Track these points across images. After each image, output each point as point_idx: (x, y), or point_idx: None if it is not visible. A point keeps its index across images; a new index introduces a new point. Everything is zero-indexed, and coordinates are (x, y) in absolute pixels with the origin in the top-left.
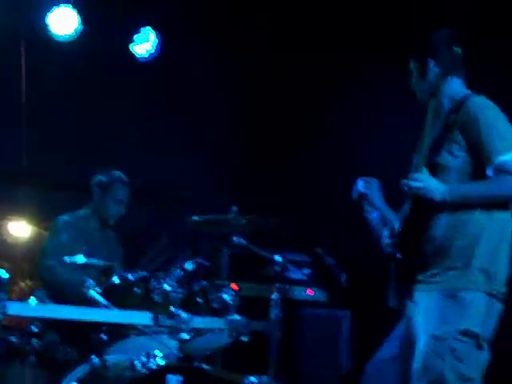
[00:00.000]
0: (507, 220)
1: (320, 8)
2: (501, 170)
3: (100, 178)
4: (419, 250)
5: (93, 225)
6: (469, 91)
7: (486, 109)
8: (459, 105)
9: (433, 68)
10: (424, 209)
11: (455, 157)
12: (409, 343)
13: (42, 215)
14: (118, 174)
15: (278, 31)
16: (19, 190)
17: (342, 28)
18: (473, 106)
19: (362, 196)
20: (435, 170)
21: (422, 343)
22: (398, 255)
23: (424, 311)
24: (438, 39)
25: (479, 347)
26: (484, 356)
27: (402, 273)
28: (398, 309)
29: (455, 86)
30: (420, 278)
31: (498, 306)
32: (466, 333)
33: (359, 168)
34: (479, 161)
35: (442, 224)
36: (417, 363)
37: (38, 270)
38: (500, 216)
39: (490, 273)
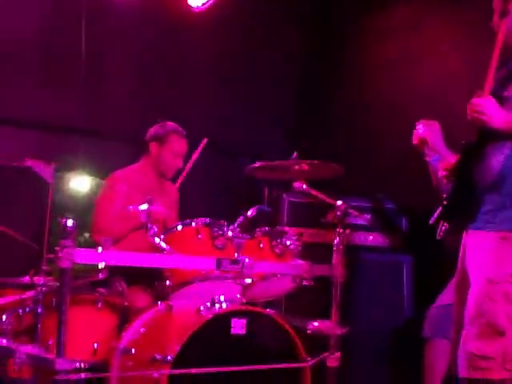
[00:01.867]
0: None
1: None
2: None
3: (155, 130)
4: (475, 183)
5: (150, 178)
6: None
7: None
8: None
9: None
10: (484, 139)
11: None
12: (463, 286)
13: (104, 168)
14: (173, 125)
15: None
16: (81, 143)
17: None
18: None
19: (423, 140)
20: (502, 102)
21: (475, 286)
22: (453, 187)
23: (477, 253)
24: None
25: None
26: None
27: (455, 206)
28: (448, 244)
29: None
30: (474, 214)
31: None
32: None
33: (419, 112)
34: None
35: (499, 157)
36: (469, 307)
37: (93, 229)
38: None
39: None
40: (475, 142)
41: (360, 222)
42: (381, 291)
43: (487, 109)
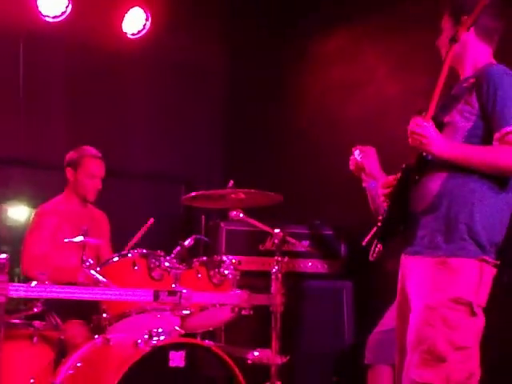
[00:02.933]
0: (503, 195)
1: None
2: (503, 140)
3: (70, 156)
4: (411, 206)
5: (76, 206)
6: (493, 61)
7: (507, 79)
8: (481, 71)
9: (465, 23)
10: (422, 162)
11: (466, 119)
12: (403, 312)
13: (41, 198)
14: (86, 148)
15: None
16: (17, 174)
17: None
18: (496, 73)
19: (359, 166)
20: (442, 128)
21: (415, 313)
22: (389, 207)
23: (415, 278)
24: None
25: (473, 315)
26: (478, 323)
27: (390, 229)
28: (388, 267)
29: (482, 53)
30: (410, 238)
31: (491, 272)
32: (457, 300)
33: (356, 138)
34: (490, 128)
35: (436, 181)
36: (410, 334)
37: (22, 265)
38: (497, 189)
39: (482, 241)
40: (414, 165)
41: (299, 248)
42: (322, 318)
43: (427, 133)
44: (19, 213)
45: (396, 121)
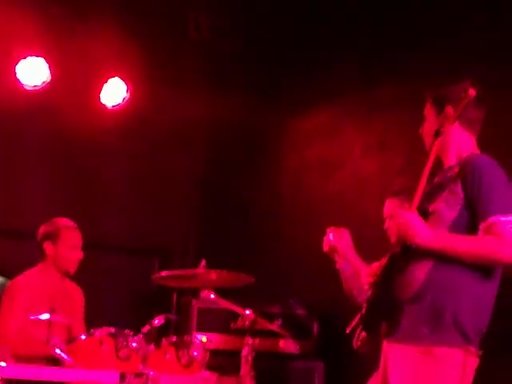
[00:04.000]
0: (488, 284)
1: None
2: (489, 231)
3: (45, 229)
4: (396, 294)
5: (52, 280)
6: (478, 151)
7: (492, 169)
8: (466, 160)
9: (450, 116)
10: (407, 251)
11: (451, 208)
12: None
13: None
14: (62, 220)
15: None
16: None
17: None
18: (480, 163)
19: (333, 247)
20: (427, 217)
21: None
22: (373, 295)
23: (397, 367)
24: (467, 91)
25: None
26: None
27: (374, 317)
28: (365, 353)
29: (466, 143)
30: (394, 326)
31: (474, 363)
32: None
33: (331, 217)
34: (475, 218)
35: (421, 271)
36: None
37: None
38: (482, 278)
39: (467, 330)
40: (398, 254)
41: (270, 328)
42: None
43: (412, 223)
44: None
45: (373, 200)
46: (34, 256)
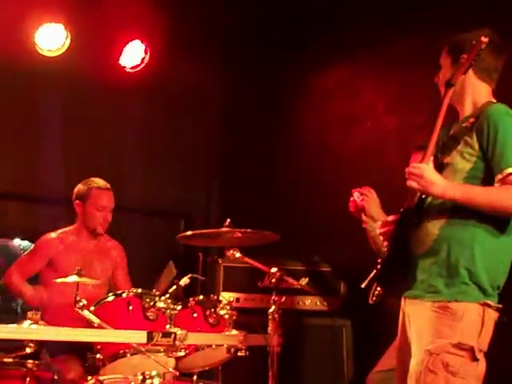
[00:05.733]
0: (503, 238)
1: None
2: (505, 182)
3: (78, 189)
4: (411, 250)
5: (84, 238)
6: (493, 100)
7: (508, 118)
8: (481, 110)
9: (462, 65)
10: (422, 205)
11: (466, 160)
12: (404, 355)
13: (39, 232)
14: (95, 180)
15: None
16: (13, 208)
17: None
18: (495, 113)
19: (359, 208)
20: (442, 169)
21: (414, 359)
22: (388, 250)
23: (416, 323)
24: (479, 39)
25: (474, 359)
26: (480, 368)
27: (389, 272)
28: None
29: (482, 92)
30: (410, 282)
31: (493, 316)
32: (459, 346)
33: (355, 173)
34: (490, 170)
35: (436, 226)
36: (411, 379)
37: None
38: (497, 232)
39: (483, 284)
40: (413, 208)
41: (297, 286)
42: (320, 356)
43: (426, 175)
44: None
45: (394, 155)
46: (59, 220)
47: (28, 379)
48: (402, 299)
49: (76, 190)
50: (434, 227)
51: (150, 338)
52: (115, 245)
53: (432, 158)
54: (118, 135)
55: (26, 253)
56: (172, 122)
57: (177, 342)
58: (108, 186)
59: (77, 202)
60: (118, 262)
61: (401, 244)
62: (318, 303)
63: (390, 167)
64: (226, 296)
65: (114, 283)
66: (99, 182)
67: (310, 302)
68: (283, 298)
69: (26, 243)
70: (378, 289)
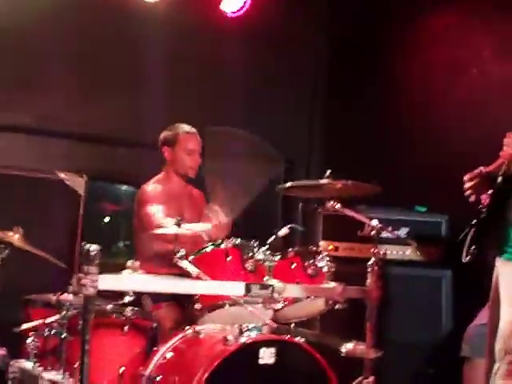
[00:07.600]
0: None
1: None
2: None
3: (165, 135)
4: (507, 217)
5: (176, 184)
6: None
7: None
8: None
9: None
10: None
11: None
12: (495, 316)
13: (140, 177)
14: (181, 125)
15: None
16: (113, 152)
17: None
18: None
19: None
20: None
21: (503, 321)
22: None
23: (507, 284)
24: None
25: None
26: None
27: (485, 235)
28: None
29: None
30: (503, 246)
31: None
32: None
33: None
34: None
35: None
36: (498, 342)
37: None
38: None
39: None
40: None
41: (397, 235)
42: (419, 307)
43: None
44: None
45: (500, 105)
46: (152, 164)
47: (127, 327)
48: (497, 259)
49: (162, 136)
50: None
51: (247, 289)
52: (200, 194)
53: None
54: (220, 80)
55: (142, 214)
56: (274, 69)
57: (275, 295)
58: (194, 130)
59: (165, 147)
60: (202, 211)
61: (497, 211)
62: (419, 253)
63: (495, 116)
64: (325, 245)
65: None
66: (185, 126)
67: (410, 252)
68: (383, 250)
69: (131, 189)
70: (473, 247)
